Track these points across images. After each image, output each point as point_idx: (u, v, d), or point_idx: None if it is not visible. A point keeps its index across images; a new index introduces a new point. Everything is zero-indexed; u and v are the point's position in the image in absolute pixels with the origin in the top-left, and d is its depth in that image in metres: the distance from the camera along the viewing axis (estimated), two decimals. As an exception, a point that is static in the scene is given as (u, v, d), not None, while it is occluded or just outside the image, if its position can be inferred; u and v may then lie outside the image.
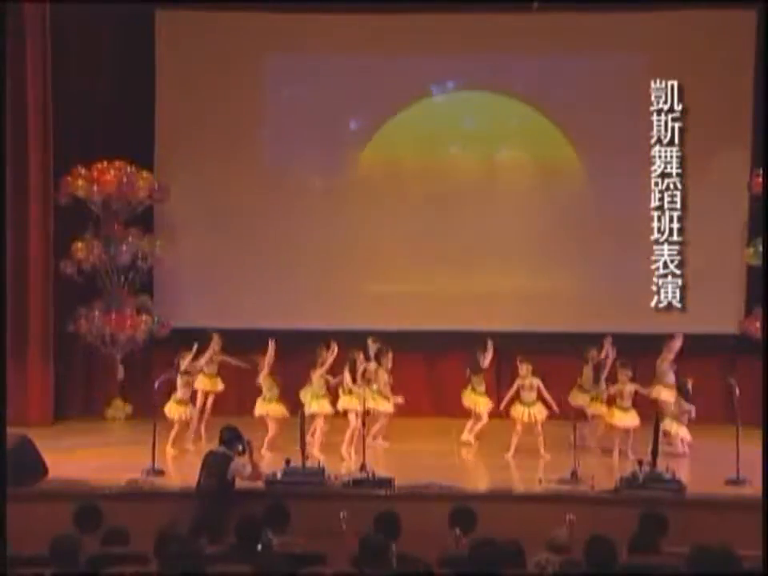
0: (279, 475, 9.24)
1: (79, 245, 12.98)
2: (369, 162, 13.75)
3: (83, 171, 12.93)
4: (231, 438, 8.48)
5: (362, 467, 9.60)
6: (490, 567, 5.21)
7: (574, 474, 9.53)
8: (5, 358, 8.86)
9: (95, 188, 12.88)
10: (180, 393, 10.98)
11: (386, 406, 11.19)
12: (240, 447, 8.50)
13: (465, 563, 5.38)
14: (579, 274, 13.48)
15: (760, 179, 12.93)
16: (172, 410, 10.87)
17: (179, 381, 10.98)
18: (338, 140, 13.70)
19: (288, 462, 9.38)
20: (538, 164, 13.69)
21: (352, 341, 11.45)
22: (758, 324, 13.05)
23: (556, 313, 13.29)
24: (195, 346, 11.15)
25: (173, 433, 10.77)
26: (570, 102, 13.46)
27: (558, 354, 12.25)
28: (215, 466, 8.32)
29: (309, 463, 9.47)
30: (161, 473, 9.63)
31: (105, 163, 12.94)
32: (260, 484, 8.78)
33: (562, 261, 13.44)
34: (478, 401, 11.43)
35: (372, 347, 11.39)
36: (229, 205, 13.56)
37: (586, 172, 13.62)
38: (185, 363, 11.01)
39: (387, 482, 9.31)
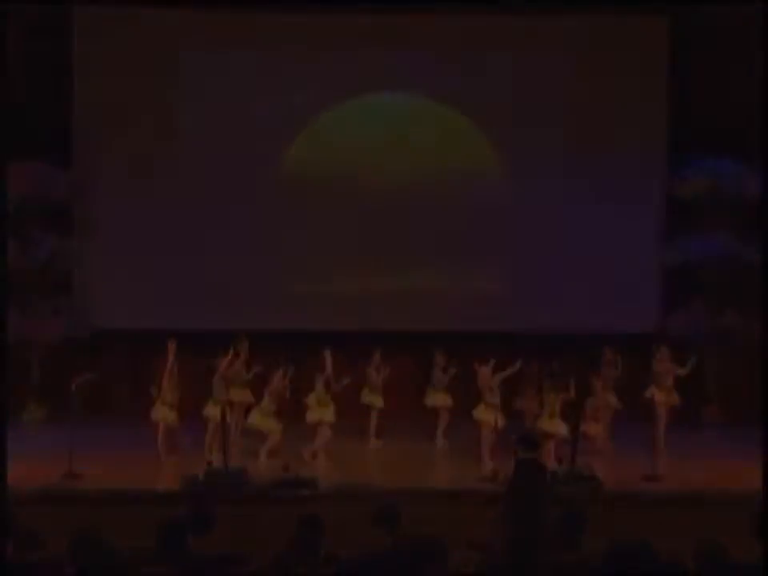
0: (201, 477, 9.16)
1: (-7, 245, 12.72)
2: (293, 162, 13.69)
3: (-3, 170, 12.66)
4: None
5: (286, 468, 9.55)
6: (413, 565, 5.22)
7: (494, 472, 9.62)
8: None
9: (10, 187, 12.60)
10: (218, 394, 10.74)
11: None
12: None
13: (387, 562, 5.38)
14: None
15: (681, 181, 13.33)
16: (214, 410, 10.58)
17: (219, 384, 10.75)
18: (261, 139, 13.57)
19: (210, 463, 9.30)
20: (464, 165, 13.74)
21: (277, 341, 11.41)
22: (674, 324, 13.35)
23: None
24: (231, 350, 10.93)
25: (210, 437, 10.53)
26: (491, 103, 13.59)
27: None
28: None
29: (231, 465, 9.40)
30: (78, 476, 9.46)
31: (20, 162, 12.68)
32: None
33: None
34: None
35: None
36: (149, 204, 13.40)
37: (505, 171, 13.75)
38: (222, 367, 10.78)
39: (311, 483, 9.29)
